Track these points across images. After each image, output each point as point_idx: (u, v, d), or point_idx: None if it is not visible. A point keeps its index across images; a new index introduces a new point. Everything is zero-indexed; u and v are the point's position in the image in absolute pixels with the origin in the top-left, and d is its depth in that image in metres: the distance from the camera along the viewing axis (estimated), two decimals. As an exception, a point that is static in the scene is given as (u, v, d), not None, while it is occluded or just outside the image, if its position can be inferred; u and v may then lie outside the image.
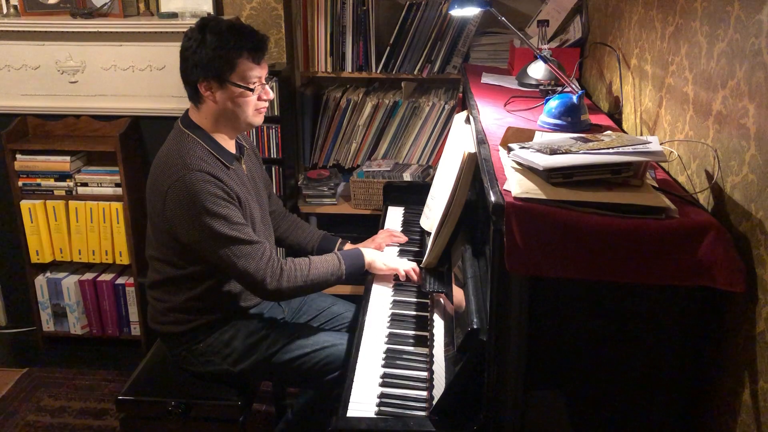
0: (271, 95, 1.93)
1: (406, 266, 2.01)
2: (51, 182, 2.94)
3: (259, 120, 1.92)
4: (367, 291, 1.99)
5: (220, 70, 1.79)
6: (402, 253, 2.21)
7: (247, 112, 1.87)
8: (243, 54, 1.80)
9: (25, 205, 2.94)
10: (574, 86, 1.78)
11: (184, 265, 1.87)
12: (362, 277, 2.05)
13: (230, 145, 1.94)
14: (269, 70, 2.18)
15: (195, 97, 1.86)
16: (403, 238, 2.26)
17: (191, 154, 1.80)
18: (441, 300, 1.85)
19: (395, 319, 1.84)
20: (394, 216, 2.51)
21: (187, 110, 1.92)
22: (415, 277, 1.99)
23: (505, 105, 1.95)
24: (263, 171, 2.19)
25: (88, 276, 3.10)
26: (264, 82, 1.88)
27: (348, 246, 2.25)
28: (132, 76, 2.90)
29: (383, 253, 2.09)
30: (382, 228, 2.41)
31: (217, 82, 1.81)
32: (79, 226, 2.97)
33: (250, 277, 1.80)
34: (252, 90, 1.84)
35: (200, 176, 1.76)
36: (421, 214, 2.32)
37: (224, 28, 1.80)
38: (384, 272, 2.02)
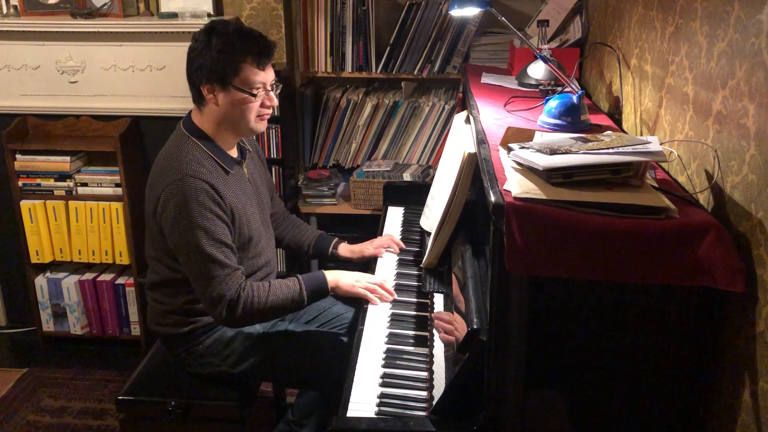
0: (275, 102, 1.90)
1: (375, 283, 1.93)
2: (51, 182, 2.94)
3: (261, 126, 1.90)
4: (367, 291, 1.98)
5: (224, 73, 1.77)
6: (402, 253, 2.21)
7: (249, 118, 1.85)
8: (247, 58, 1.78)
9: (25, 205, 2.94)
10: (574, 86, 1.78)
11: (179, 268, 1.86)
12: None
13: (232, 149, 1.93)
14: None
15: (198, 99, 1.85)
16: (402, 246, 2.24)
17: (189, 158, 1.79)
18: (441, 300, 1.85)
19: (395, 319, 1.84)
20: (394, 216, 2.51)
21: (190, 112, 1.91)
22: (385, 297, 1.91)
23: (505, 105, 1.95)
24: (267, 173, 2.19)
25: (88, 276, 3.09)
26: (269, 88, 1.86)
27: (344, 245, 2.24)
28: (132, 76, 2.90)
29: (348, 274, 1.95)
30: (382, 228, 2.41)
31: (220, 85, 1.79)
32: (79, 226, 2.97)
33: (210, 300, 1.77)
34: (255, 95, 1.82)
35: (195, 183, 1.75)
36: (421, 214, 2.32)
37: (230, 32, 1.78)
38: (349, 294, 1.92)
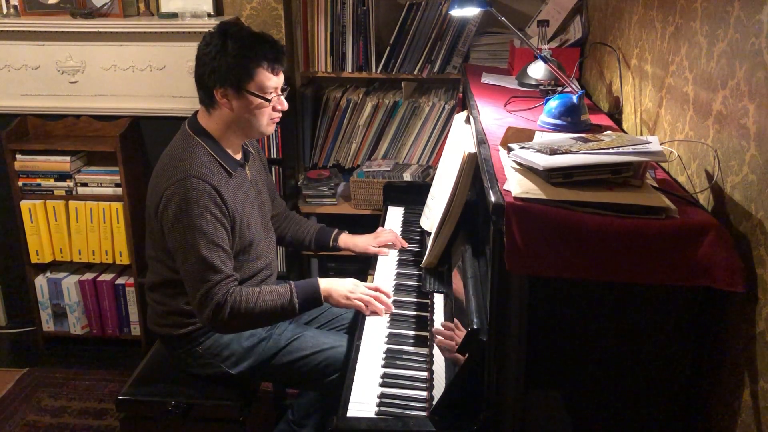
0: (286, 106, 1.90)
1: (370, 294, 1.86)
2: (51, 182, 2.94)
3: (271, 130, 1.91)
4: (367, 291, 1.98)
5: (239, 78, 1.77)
6: (402, 253, 2.21)
7: (261, 122, 1.86)
8: (263, 64, 1.78)
9: (25, 205, 2.94)
10: (574, 86, 1.78)
11: (178, 269, 1.86)
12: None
13: (236, 152, 1.93)
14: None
15: (208, 102, 1.84)
16: (404, 244, 2.24)
17: (194, 159, 1.79)
18: (441, 300, 1.85)
19: (395, 319, 1.84)
20: (394, 216, 2.51)
21: (196, 112, 1.91)
22: (380, 307, 1.84)
23: (505, 105, 1.95)
24: (268, 175, 2.19)
25: (88, 276, 3.09)
26: (279, 92, 1.87)
27: (344, 236, 2.25)
28: (132, 76, 2.90)
29: (342, 286, 1.87)
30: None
31: (235, 90, 1.79)
32: (79, 226, 2.97)
33: (197, 301, 1.76)
34: (269, 100, 1.83)
35: (198, 184, 1.75)
36: (421, 214, 2.32)
37: (246, 37, 1.78)
38: (343, 306, 1.87)
